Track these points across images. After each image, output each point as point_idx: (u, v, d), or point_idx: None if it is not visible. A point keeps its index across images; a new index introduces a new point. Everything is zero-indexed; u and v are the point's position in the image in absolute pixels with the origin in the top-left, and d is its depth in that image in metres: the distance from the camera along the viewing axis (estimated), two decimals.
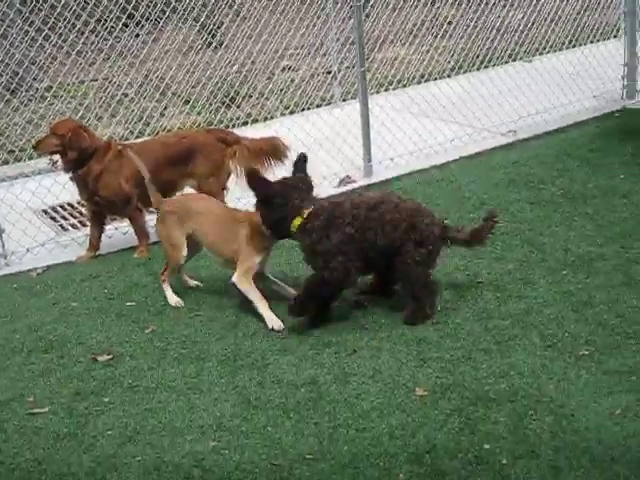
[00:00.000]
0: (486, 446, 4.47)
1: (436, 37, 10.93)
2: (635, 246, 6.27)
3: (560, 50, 10.88)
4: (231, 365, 5.39)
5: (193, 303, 6.16)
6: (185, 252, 6.16)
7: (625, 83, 9.35)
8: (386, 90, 10.07)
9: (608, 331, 5.37)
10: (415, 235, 5.60)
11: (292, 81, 10.32)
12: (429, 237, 5.63)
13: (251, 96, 10.00)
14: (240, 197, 7.01)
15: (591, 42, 10.99)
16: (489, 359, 5.19)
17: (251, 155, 7.08)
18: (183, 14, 10.02)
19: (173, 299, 6.17)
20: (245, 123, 9.56)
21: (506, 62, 10.55)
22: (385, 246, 5.61)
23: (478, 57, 10.51)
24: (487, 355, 5.23)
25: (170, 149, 7.15)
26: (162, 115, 9.46)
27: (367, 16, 10.54)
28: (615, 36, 11.22)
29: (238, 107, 9.60)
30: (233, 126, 9.38)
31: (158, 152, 7.09)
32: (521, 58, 10.67)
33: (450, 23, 10.97)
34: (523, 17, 11.11)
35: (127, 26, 9.80)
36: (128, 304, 6.25)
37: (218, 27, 10.68)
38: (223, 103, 9.68)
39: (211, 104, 9.61)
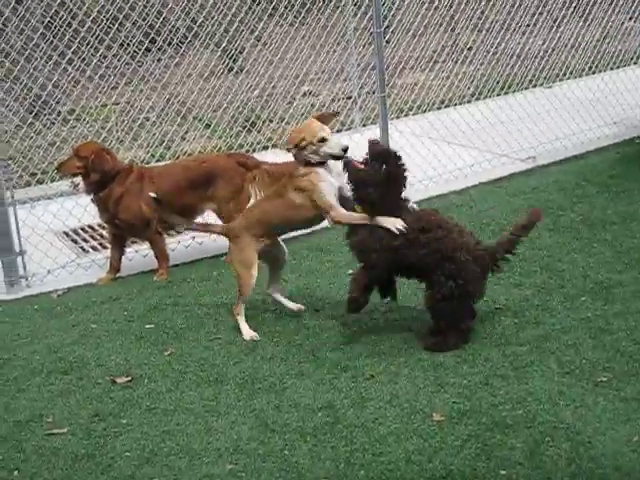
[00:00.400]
0: (502, 472, 4.47)
1: (456, 63, 10.96)
2: None
3: (580, 77, 10.90)
4: (249, 388, 5.41)
5: (212, 326, 6.19)
6: (256, 272, 6.06)
7: None
8: (406, 115, 10.12)
9: (626, 358, 5.36)
10: (449, 268, 5.60)
11: (312, 106, 10.37)
12: (463, 270, 5.60)
13: (272, 121, 10.06)
14: None
15: (611, 69, 11.01)
16: (506, 385, 5.19)
17: (271, 179, 7.11)
18: (205, 39, 10.11)
19: (249, 334, 6.03)
20: (265, 147, 9.61)
21: (526, 88, 10.58)
22: (419, 269, 5.67)
23: (498, 83, 10.55)
24: (504, 381, 5.23)
25: (191, 173, 7.20)
26: (183, 139, 9.53)
27: (387, 42, 10.59)
28: (635, 63, 11.24)
29: (259, 132, 9.65)
30: (254, 150, 9.44)
31: (179, 175, 7.15)
32: (541, 84, 10.69)
33: (470, 49, 11.02)
34: (543, 44, 11.15)
35: (149, 50, 9.89)
36: (147, 326, 6.29)
37: (240, 52, 10.76)
38: (244, 127, 9.74)
39: (232, 128, 9.68)
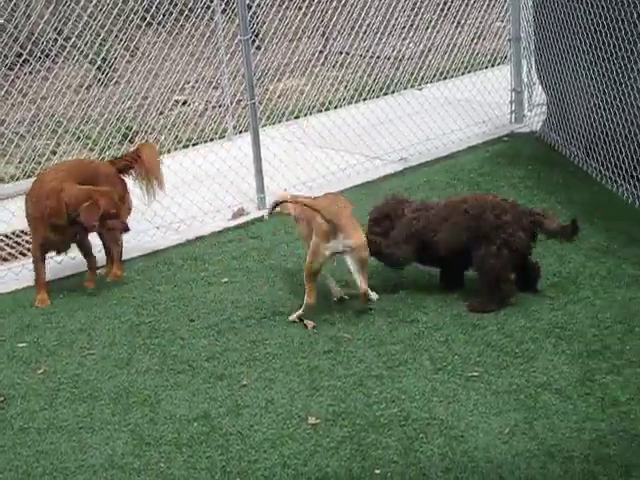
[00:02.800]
0: (377, 471, 4.52)
1: (333, 67, 11.03)
2: None
3: (452, 77, 11.04)
4: (123, 403, 5.35)
5: (85, 342, 6.10)
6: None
7: (512, 108, 9.55)
8: (279, 122, 10.12)
9: (497, 352, 5.47)
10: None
11: (186, 116, 10.31)
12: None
13: (146, 131, 9.97)
14: None
15: (482, 69, 11.17)
16: (381, 385, 5.25)
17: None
18: (83, 50, 9.95)
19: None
20: None
21: (398, 91, 10.66)
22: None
23: (372, 88, 10.61)
24: (379, 381, 5.29)
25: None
26: (54, 153, 9.36)
27: (257, 48, 10.61)
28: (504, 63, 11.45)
29: (131, 143, 9.55)
30: None
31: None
32: (412, 87, 10.81)
33: (347, 53, 11.08)
34: (417, 46, 11.28)
35: (26, 62, 9.71)
36: (20, 345, 6.16)
37: (113, 63, 10.64)
38: (117, 140, 9.62)
39: (107, 140, 9.54)
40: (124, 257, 7.09)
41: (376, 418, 4.93)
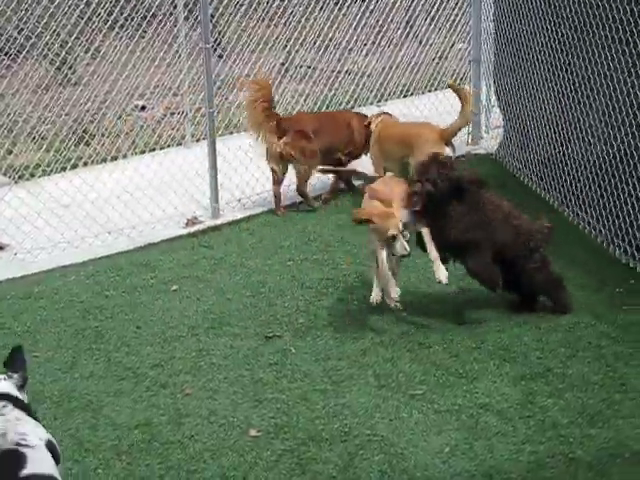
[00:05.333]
0: None
1: (300, 81, 11.03)
2: (473, 288, 6.37)
3: (412, 95, 11.04)
4: (65, 407, 5.32)
5: (30, 344, 6.04)
6: None
7: (470, 129, 9.58)
8: (238, 132, 10.10)
9: (442, 371, 5.50)
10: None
11: (145, 121, 10.28)
12: None
13: (103, 135, 9.91)
14: None
15: (444, 88, 11.16)
16: (324, 399, 5.25)
17: None
18: (43, 50, 9.89)
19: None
20: (104, 160, 9.37)
21: (359, 106, 10.66)
22: None
23: (334, 104, 10.60)
24: (323, 395, 5.29)
25: None
26: (9, 152, 9.27)
27: (219, 57, 10.59)
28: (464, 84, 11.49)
29: (87, 145, 9.49)
30: (85, 164, 9.26)
31: None
32: (372, 103, 10.82)
33: (313, 68, 11.08)
34: (378, 62, 11.30)
35: None
36: None
37: (69, 66, 10.58)
38: (73, 142, 9.55)
39: (63, 141, 9.47)
40: (75, 261, 7.07)
41: (318, 432, 4.94)
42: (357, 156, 8.44)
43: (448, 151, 7.46)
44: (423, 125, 8.03)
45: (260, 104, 7.97)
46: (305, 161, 8.04)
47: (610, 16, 6.74)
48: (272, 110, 8.10)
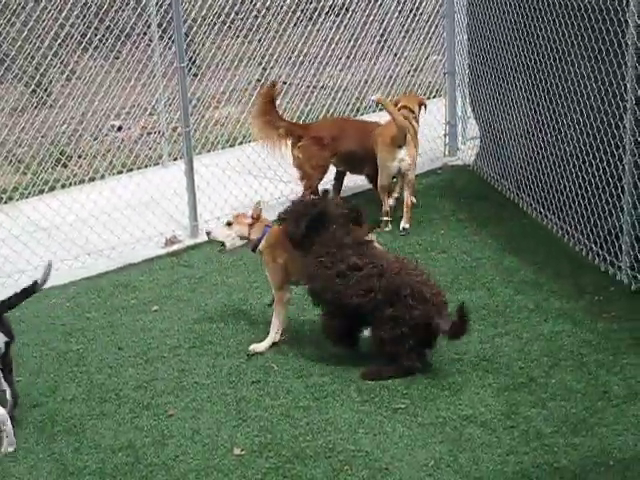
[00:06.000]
0: None
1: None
2: (453, 299, 6.40)
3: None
4: (48, 431, 5.30)
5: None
6: None
7: (446, 141, 9.63)
8: (215, 150, 10.11)
9: (424, 384, 5.50)
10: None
11: (122, 141, 10.27)
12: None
13: (80, 156, 9.90)
14: None
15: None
16: (307, 416, 5.25)
17: None
18: (16, 73, 9.87)
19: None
20: (81, 182, 9.35)
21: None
22: None
23: (310, 119, 10.61)
24: (306, 412, 5.29)
25: None
26: None
27: (195, 75, 10.60)
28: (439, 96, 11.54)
29: (65, 167, 9.47)
30: (62, 186, 9.24)
31: None
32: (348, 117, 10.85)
33: (286, 83, 11.09)
34: (354, 76, 11.32)
35: None
36: None
37: (49, 86, 10.56)
38: (50, 164, 9.53)
39: (40, 164, 9.44)
40: (55, 283, 7.04)
41: (302, 449, 4.93)
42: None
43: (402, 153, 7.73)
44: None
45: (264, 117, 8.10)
46: (310, 167, 8.09)
47: (582, 26, 6.79)
48: (279, 117, 8.20)
